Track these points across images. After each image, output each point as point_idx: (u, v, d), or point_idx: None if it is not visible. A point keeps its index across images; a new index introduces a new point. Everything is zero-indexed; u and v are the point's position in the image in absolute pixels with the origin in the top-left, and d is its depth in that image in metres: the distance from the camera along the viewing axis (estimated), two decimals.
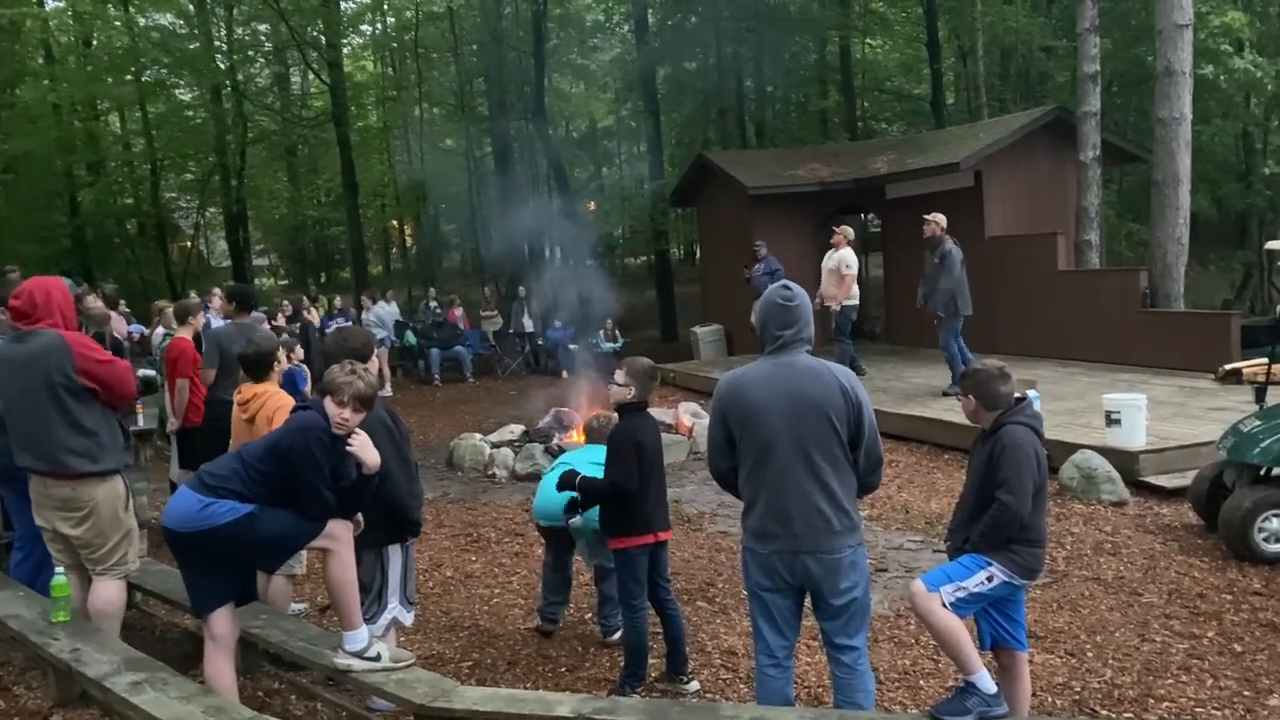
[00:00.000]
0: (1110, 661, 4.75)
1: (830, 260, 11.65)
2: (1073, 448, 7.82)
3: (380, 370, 14.69)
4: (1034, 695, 4.25)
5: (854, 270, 11.69)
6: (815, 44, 25.09)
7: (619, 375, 4.65)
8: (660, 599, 4.67)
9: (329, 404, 3.73)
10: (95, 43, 23.76)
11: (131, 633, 4.95)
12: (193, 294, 10.93)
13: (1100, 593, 5.64)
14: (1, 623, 4.62)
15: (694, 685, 4.65)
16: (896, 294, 16.61)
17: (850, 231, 11.81)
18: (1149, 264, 12.93)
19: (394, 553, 4.26)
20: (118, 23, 23.23)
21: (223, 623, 3.91)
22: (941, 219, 10.73)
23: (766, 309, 3.57)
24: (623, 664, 4.70)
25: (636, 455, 4.48)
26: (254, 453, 3.80)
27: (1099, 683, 4.54)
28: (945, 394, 10.43)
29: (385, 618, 4.26)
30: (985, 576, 3.59)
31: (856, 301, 11.75)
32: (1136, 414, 7.85)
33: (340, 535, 3.86)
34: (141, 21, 24.44)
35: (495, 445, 9.93)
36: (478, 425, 11.71)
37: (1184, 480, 7.24)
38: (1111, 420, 7.91)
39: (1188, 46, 12.36)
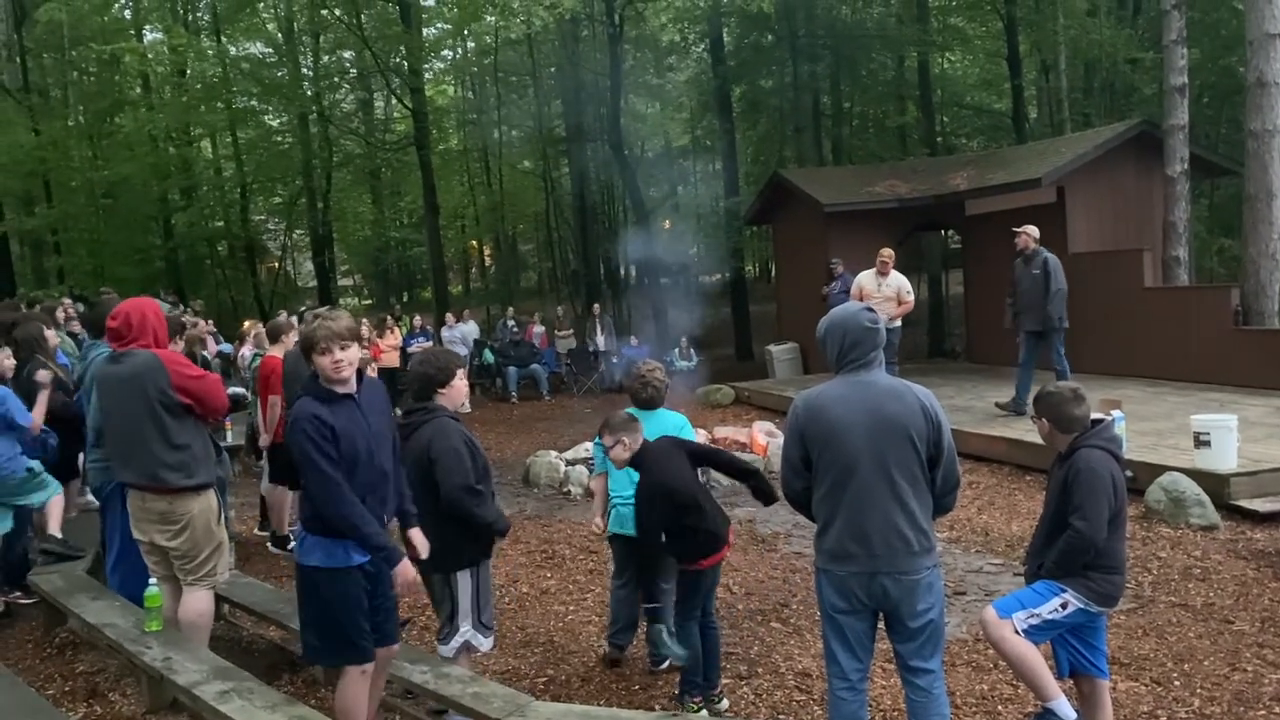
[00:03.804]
0: (1199, 691, 4.60)
1: (888, 287, 11.16)
2: (1160, 469, 7.61)
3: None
4: None
5: (913, 298, 11.47)
6: (893, 60, 24.90)
7: (606, 439, 4.52)
8: (702, 617, 4.67)
9: (317, 359, 3.56)
10: (189, 73, 24.70)
11: (219, 643, 5.12)
12: (283, 313, 11.28)
13: (1188, 620, 5.48)
14: (99, 631, 4.81)
15: (723, 705, 4.59)
16: (977, 312, 16.36)
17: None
18: (1241, 281, 12.53)
19: (463, 578, 4.23)
20: (210, 53, 24.13)
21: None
22: (1034, 230, 10.44)
23: (853, 330, 3.51)
24: (680, 677, 4.68)
25: (665, 505, 4.39)
26: None
27: (1186, 712, 4.41)
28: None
29: (457, 641, 4.29)
30: (1059, 603, 3.52)
31: (899, 324, 11.54)
32: (1227, 435, 7.61)
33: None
34: (233, 51, 25.35)
35: (570, 463, 10.01)
36: (553, 443, 11.82)
37: (1278, 504, 7.01)
38: (1200, 441, 7.67)
39: None
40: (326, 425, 3.51)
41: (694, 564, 4.53)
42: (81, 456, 6.71)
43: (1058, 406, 3.69)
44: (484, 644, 4.36)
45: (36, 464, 6.06)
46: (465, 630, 4.27)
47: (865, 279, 11.42)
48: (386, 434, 3.76)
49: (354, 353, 3.58)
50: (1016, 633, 3.49)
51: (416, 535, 3.95)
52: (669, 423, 5.05)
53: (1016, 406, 10.45)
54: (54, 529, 6.19)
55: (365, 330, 12.93)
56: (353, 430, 3.57)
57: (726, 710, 4.58)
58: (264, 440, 7.58)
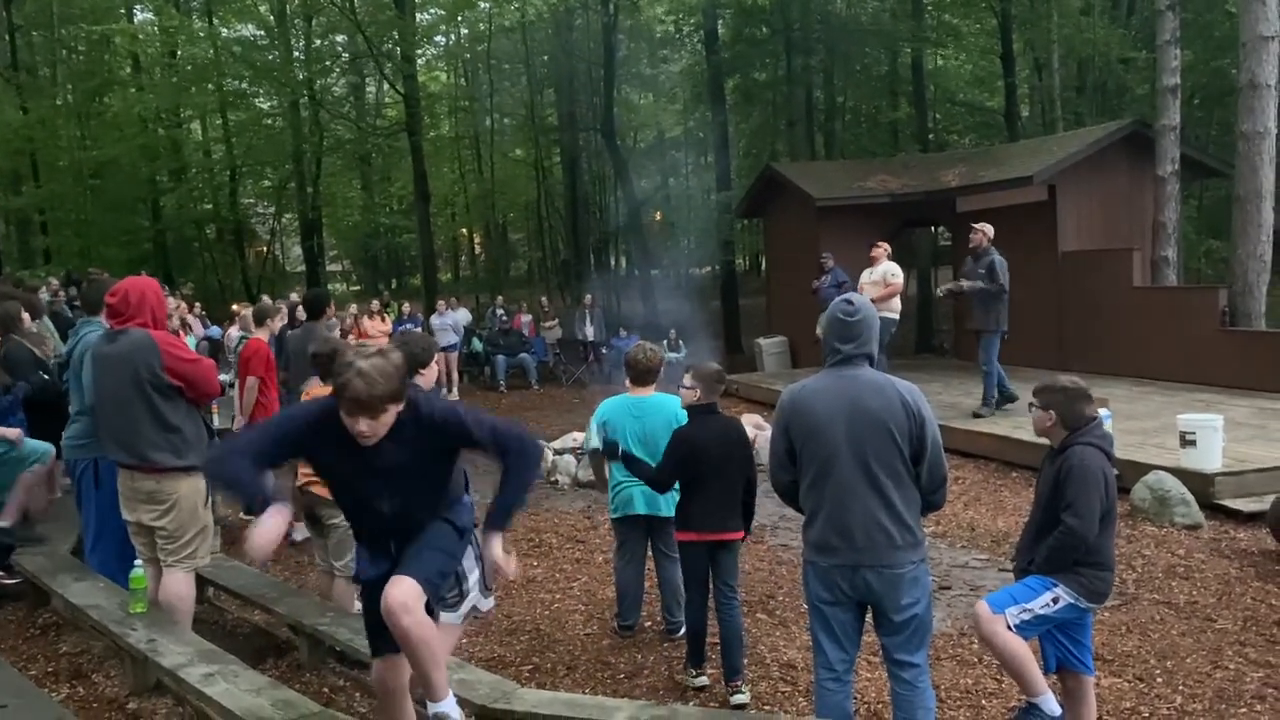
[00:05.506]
0: (1180, 688, 4.63)
1: (873, 274, 11.38)
2: (1145, 468, 7.64)
3: (448, 374, 14.69)
4: None
5: (900, 280, 11.54)
6: (887, 55, 24.90)
7: (686, 379, 4.80)
8: (718, 603, 4.71)
9: (343, 414, 2.98)
10: (179, 54, 24.50)
11: (203, 626, 5.10)
12: (265, 298, 11.24)
13: (1171, 617, 5.51)
14: (83, 612, 4.79)
15: (739, 699, 4.58)
16: (966, 309, 16.39)
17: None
18: (1229, 282, 12.59)
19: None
20: (201, 35, 23.97)
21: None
22: (988, 228, 10.45)
23: (829, 321, 3.56)
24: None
25: (685, 455, 4.60)
26: None
27: (1168, 709, 4.43)
28: (976, 415, 10.23)
29: (465, 606, 4.20)
30: (1050, 599, 3.54)
31: (896, 315, 11.57)
32: (1212, 435, 7.64)
33: None
34: (224, 33, 25.16)
35: (558, 452, 9.99)
36: (541, 432, 11.79)
37: (1262, 504, 7.03)
38: (1186, 441, 7.71)
39: (1273, 59, 12.01)
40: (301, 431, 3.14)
41: (676, 533, 4.78)
42: None
43: (1068, 400, 3.67)
44: (485, 604, 4.14)
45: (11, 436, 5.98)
46: (473, 595, 3.94)
47: (863, 274, 11.70)
48: (403, 470, 3.10)
49: (387, 419, 2.95)
50: (1009, 628, 3.50)
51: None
52: (669, 408, 5.18)
53: (991, 404, 10.37)
54: (6, 519, 5.87)
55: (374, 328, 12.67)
56: (344, 462, 3.08)
57: (743, 703, 4.56)
58: (239, 423, 7.53)
